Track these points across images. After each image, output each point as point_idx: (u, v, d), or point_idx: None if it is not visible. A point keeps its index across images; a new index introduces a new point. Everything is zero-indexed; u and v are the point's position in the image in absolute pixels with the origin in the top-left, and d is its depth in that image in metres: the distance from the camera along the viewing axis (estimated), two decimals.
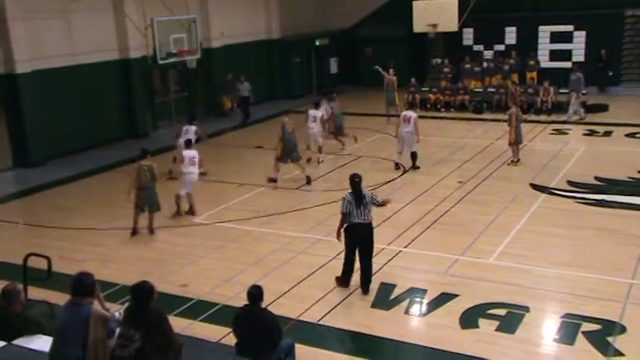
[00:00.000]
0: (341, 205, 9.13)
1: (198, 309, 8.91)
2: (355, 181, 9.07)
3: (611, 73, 24.28)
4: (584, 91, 21.10)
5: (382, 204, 9.36)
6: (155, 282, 5.59)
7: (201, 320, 8.59)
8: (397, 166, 15.53)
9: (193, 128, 15.57)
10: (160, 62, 19.14)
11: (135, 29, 19.53)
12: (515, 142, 15.47)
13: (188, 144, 13.27)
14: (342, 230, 9.14)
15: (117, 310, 5.98)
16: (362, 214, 8.97)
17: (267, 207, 13.21)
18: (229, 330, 6.92)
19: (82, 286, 5.50)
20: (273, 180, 14.72)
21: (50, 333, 5.85)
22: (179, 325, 7.85)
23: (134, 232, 11.94)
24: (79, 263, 9.99)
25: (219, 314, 8.67)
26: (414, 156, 15.41)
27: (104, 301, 6.27)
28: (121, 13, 19.56)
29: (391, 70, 21.89)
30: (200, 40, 20.89)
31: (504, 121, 16.31)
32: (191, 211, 12.95)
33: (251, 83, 22.55)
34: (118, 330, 5.33)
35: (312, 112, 16.69)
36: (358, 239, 9.09)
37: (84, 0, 18.57)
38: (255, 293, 6.47)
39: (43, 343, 5.96)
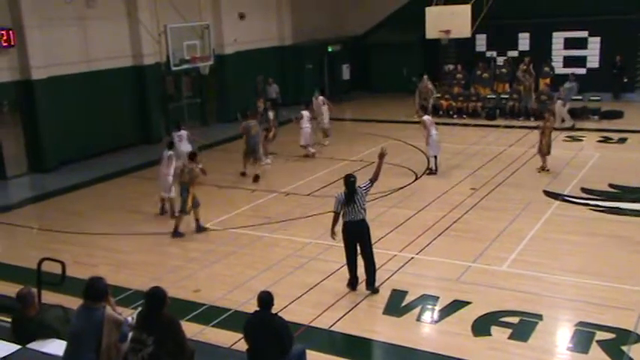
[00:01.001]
0: (333, 204, 9.25)
1: (210, 314, 8.94)
2: (350, 180, 9.18)
3: (626, 80, 24.11)
4: (596, 97, 20.95)
5: (374, 177, 9.42)
6: (168, 287, 5.62)
7: (213, 326, 8.61)
8: (431, 171, 15.63)
9: (185, 133, 15.77)
10: (174, 69, 19.31)
11: (148, 36, 19.71)
12: (548, 151, 15.34)
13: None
14: (335, 229, 9.28)
15: (130, 315, 6.02)
16: (354, 211, 9.08)
17: (279, 213, 13.23)
18: (241, 336, 6.93)
19: (95, 290, 5.55)
20: (242, 174, 16.07)
21: (64, 337, 5.89)
22: (191, 330, 7.88)
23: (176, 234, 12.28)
24: (92, 268, 10.06)
25: (231, 320, 8.68)
26: (436, 159, 15.65)
27: (115, 305, 6.30)
28: (135, 20, 19.74)
29: (425, 77, 22.27)
30: (213, 47, 21.02)
31: (532, 127, 16.20)
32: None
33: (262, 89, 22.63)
34: (130, 334, 5.36)
35: (305, 112, 17.75)
36: (354, 236, 9.22)
37: (99, 7, 18.77)
38: (266, 299, 6.48)
39: (57, 347, 6.00)
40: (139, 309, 5.60)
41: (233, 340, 7.87)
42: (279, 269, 10.42)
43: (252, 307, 7.19)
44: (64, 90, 17.67)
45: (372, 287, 9.34)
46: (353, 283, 9.46)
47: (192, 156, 12.51)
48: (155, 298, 5.34)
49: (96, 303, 5.48)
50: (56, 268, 7.63)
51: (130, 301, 8.78)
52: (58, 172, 17.40)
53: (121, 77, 19.60)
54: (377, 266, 9.43)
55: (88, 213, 14.00)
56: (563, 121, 19.97)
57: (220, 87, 23.28)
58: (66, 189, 15.89)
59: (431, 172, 15.62)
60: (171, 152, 13.40)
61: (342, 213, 9.19)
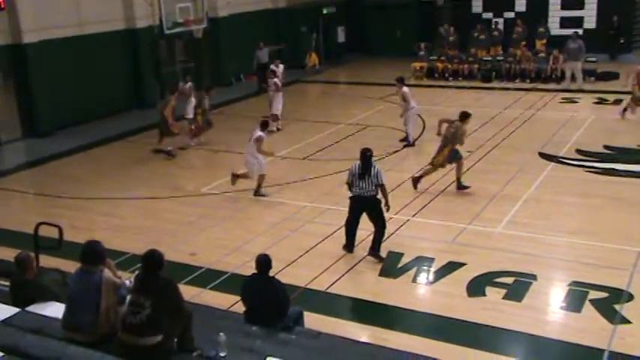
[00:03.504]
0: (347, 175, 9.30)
1: (207, 277, 9.01)
2: (366, 155, 9.12)
3: (622, 41, 23.93)
4: (593, 59, 20.87)
5: (382, 187, 9.14)
6: (165, 251, 5.65)
7: (211, 288, 8.69)
8: (408, 143, 15.16)
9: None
10: (167, 32, 19.08)
11: None
12: None
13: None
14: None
15: (127, 279, 6.05)
16: (364, 186, 9.04)
17: (275, 177, 13.22)
18: (238, 298, 7.00)
19: (93, 253, 5.57)
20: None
21: (62, 300, 5.94)
22: (188, 293, 7.92)
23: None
24: (89, 232, 10.07)
25: (227, 283, 8.76)
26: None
27: (116, 269, 6.34)
28: None
29: None
30: (206, 10, 20.73)
31: (528, 89, 16.04)
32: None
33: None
34: (128, 297, 5.40)
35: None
36: (359, 210, 9.23)
37: None
38: (264, 262, 6.52)
39: (55, 309, 6.06)
40: (137, 272, 5.63)
41: (230, 302, 7.94)
42: (275, 232, 10.47)
43: (248, 269, 7.25)
44: (56, 54, 17.46)
45: (374, 253, 9.27)
46: (349, 246, 9.52)
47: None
48: (152, 261, 5.36)
49: (93, 266, 5.51)
50: (53, 233, 7.67)
51: (127, 264, 8.80)
52: (53, 137, 17.30)
53: (113, 41, 19.34)
54: (372, 229, 9.44)
55: (84, 178, 13.98)
56: (573, 80, 19.86)
57: (214, 51, 23.02)
58: (61, 154, 15.82)
59: (408, 144, 15.06)
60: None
61: (351, 184, 9.16)
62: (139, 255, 5.60)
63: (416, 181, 12.01)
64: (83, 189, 13.13)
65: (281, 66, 19.04)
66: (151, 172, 14.05)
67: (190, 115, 15.89)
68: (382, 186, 9.13)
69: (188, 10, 19.41)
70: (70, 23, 18.03)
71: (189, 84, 16.60)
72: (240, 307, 6.96)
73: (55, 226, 7.64)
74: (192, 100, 15.96)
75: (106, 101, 19.11)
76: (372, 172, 9.03)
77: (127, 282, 5.84)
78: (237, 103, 21.06)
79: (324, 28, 27.64)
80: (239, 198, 12.23)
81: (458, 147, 11.82)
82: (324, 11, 27.41)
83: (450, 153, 11.78)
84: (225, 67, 23.27)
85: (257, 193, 12.18)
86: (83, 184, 13.53)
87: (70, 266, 6.43)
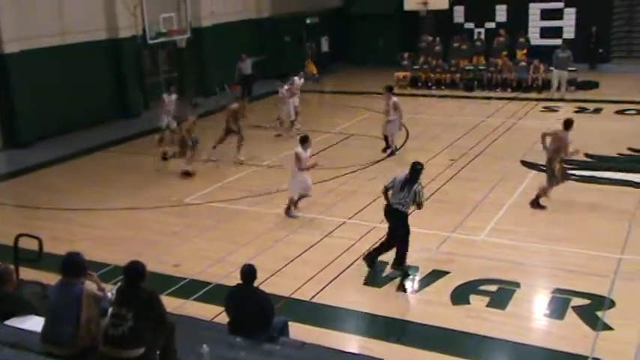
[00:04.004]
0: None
1: (190, 288, 8.94)
2: (416, 168, 8.94)
3: (601, 50, 24.26)
4: (573, 68, 21.14)
5: (419, 206, 9.08)
6: (148, 262, 5.60)
7: (194, 299, 8.63)
8: (392, 152, 15.10)
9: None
10: (150, 42, 19.02)
11: (124, 8, 19.31)
12: None
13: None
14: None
15: (109, 290, 5.99)
16: (399, 198, 8.90)
17: (260, 186, 13.20)
18: (222, 309, 6.95)
19: (73, 265, 5.51)
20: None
21: (42, 313, 5.86)
22: (171, 304, 7.88)
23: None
24: (70, 244, 9.93)
25: (211, 293, 8.70)
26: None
27: (100, 282, 6.27)
28: None
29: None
30: (190, 20, 20.72)
31: (510, 98, 16.21)
32: None
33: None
34: (110, 309, 5.35)
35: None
36: (388, 219, 9.14)
37: None
38: (248, 272, 6.49)
39: (35, 323, 5.97)
40: (119, 284, 5.58)
41: (214, 313, 7.88)
42: (259, 243, 10.43)
43: (232, 280, 7.21)
44: (38, 64, 17.31)
45: (396, 266, 9.09)
46: (367, 258, 9.24)
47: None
48: (134, 272, 5.32)
49: (74, 278, 5.45)
50: (34, 245, 7.57)
51: (109, 276, 8.70)
52: (35, 147, 17.12)
53: (96, 51, 19.24)
54: (358, 237, 9.45)
55: (65, 188, 13.83)
56: (558, 89, 20.08)
57: (198, 61, 22.98)
58: (43, 164, 15.65)
59: (392, 153, 15.04)
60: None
61: (389, 192, 9.00)
62: (122, 266, 5.55)
63: (535, 204, 11.37)
64: (64, 200, 12.99)
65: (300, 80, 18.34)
66: (133, 182, 13.95)
67: (174, 126, 15.78)
68: (420, 205, 8.99)
69: (171, 20, 19.38)
70: (52, 33, 17.91)
71: (174, 95, 16.50)
72: (224, 318, 6.91)
73: (35, 237, 7.53)
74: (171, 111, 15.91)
75: (88, 111, 18.95)
76: (414, 188, 8.84)
77: (109, 294, 5.78)
78: (220, 113, 20.96)
79: (308, 38, 27.71)
80: (223, 208, 12.18)
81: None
82: (308, 21, 27.48)
83: (561, 166, 11.27)
84: (209, 77, 23.22)
85: (286, 212, 11.45)
86: (64, 194, 13.40)
87: (51, 279, 6.35)
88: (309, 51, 26.39)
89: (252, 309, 6.42)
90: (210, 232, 11.10)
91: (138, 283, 5.29)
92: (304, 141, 11.39)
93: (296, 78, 17.93)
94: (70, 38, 18.38)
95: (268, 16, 26.24)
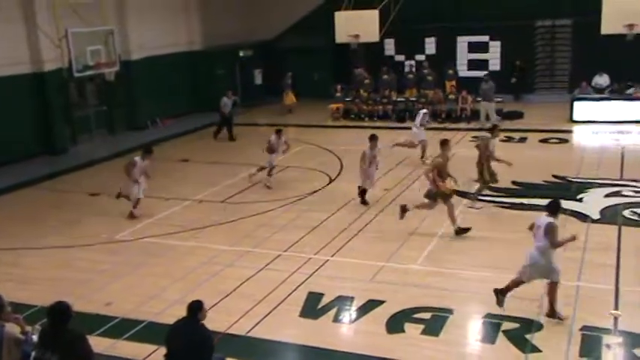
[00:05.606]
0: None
1: (122, 327, 8.67)
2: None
3: (514, 80, 25.04)
4: (498, 99, 21.97)
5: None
6: (78, 302, 5.45)
7: (126, 339, 8.36)
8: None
9: None
10: (77, 75, 18.62)
11: (48, 41, 18.85)
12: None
13: None
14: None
15: (33, 333, 5.74)
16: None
17: (193, 221, 13.02)
18: (155, 347, 6.78)
19: None
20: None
21: None
22: (102, 344, 7.65)
23: None
24: None
25: (144, 332, 8.47)
26: None
27: (24, 323, 6.02)
28: (33, 24, 18.78)
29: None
30: (119, 52, 20.43)
31: (441, 129, 16.55)
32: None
33: (174, 96, 22.15)
34: (33, 353, 5.13)
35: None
36: None
37: None
38: (195, 307, 6.40)
39: None
40: (41, 326, 5.36)
41: (147, 352, 7.68)
42: (193, 278, 10.26)
43: (166, 317, 7.07)
44: None
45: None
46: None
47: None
48: (58, 313, 5.14)
49: None
50: None
51: (35, 318, 8.36)
52: None
53: (19, 84, 18.62)
54: (292, 270, 9.43)
55: None
56: (487, 119, 20.79)
57: (129, 94, 22.63)
58: None
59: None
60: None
61: None
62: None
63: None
64: None
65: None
66: (62, 219, 13.51)
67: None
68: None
69: (99, 53, 19.02)
70: None
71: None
72: (157, 357, 6.73)
73: None
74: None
75: (12, 147, 18.26)
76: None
77: (33, 337, 5.55)
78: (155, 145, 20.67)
79: (241, 70, 27.77)
80: (155, 243, 11.93)
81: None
82: (241, 54, 27.59)
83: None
84: (141, 111, 22.89)
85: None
86: None
87: None
88: (289, 80, 25.49)
89: (192, 344, 6.30)
90: (143, 268, 10.84)
91: (63, 324, 5.10)
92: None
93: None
94: None
95: (200, 48, 26.18)
